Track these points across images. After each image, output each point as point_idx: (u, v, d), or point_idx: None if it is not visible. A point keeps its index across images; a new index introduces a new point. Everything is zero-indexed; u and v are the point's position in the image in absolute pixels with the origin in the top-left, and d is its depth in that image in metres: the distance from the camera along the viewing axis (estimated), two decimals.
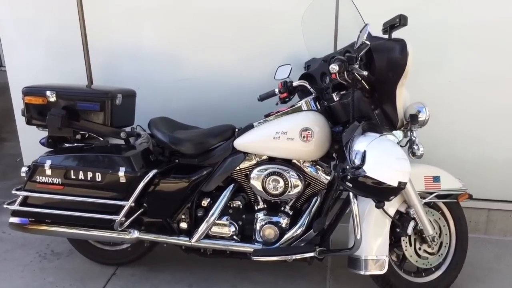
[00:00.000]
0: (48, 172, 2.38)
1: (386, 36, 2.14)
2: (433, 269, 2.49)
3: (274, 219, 2.45)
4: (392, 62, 2.03)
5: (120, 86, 2.72)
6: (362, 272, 2.31)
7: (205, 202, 2.54)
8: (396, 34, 2.11)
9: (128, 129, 2.64)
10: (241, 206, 2.52)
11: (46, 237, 3.04)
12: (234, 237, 2.50)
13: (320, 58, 2.66)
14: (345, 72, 2.04)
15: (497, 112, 2.99)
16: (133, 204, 2.38)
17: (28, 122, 2.55)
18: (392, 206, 2.35)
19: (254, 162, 2.46)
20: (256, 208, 2.51)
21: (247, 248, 2.45)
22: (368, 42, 2.01)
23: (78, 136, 2.60)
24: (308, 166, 2.42)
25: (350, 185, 2.06)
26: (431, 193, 2.43)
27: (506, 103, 2.97)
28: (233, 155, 2.47)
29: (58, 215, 2.44)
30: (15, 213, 2.48)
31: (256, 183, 2.42)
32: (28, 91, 2.49)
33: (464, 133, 3.05)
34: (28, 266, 2.79)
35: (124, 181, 2.35)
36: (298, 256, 2.32)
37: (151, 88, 3.24)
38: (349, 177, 2.06)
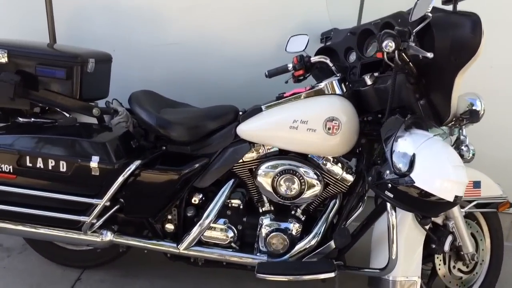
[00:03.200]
0: None
1: (449, 8, 1.66)
2: None
3: (283, 225, 2.01)
4: (459, 42, 1.57)
5: (91, 48, 2.16)
6: None
7: (196, 199, 2.06)
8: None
9: (101, 103, 2.11)
10: (241, 206, 2.06)
11: None
12: (232, 244, 2.04)
13: (344, 30, 2.18)
14: (396, 51, 1.58)
15: None
16: (108, 203, 1.87)
17: None
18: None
19: (262, 154, 1.99)
20: (261, 211, 2.05)
21: (250, 260, 2.00)
22: (430, 14, 1.54)
23: (37, 109, 2.05)
24: (328, 163, 1.96)
25: (391, 195, 1.64)
26: (470, 201, 2.03)
27: None
28: (236, 145, 1.99)
29: (8, 212, 1.91)
30: None
31: (264, 182, 1.95)
32: None
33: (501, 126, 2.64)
34: None
35: (97, 174, 1.83)
36: (314, 277, 1.88)
37: (128, 52, 2.63)
38: (389, 185, 1.63)
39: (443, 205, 1.63)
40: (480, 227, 2.14)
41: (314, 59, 2.06)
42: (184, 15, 2.62)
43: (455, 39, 1.57)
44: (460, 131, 1.87)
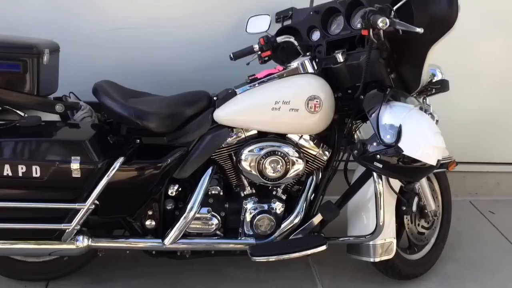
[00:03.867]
0: None
1: None
2: (425, 244, 2.34)
3: (267, 206, 2.02)
4: (437, 17, 1.69)
5: (33, 37, 1.93)
6: (371, 259, 2.04)
7: (172, 191, 1.99)
8: None
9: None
10: (221, 193, 2.03)
11: None
12: (217, 232, 2.01)
13: (305, 9, 2.22)
14: (379, 29, 1.66)
15: (464, 72, 2.86)
16: (92, 207, 1.72)
17: None
18: (397, 181, 2.09)
19: (241, 138, 1.97)
20: (243, 195, 2.04)
21: (238, 245, 1.99)
22: None
23: None
24: (305, 142, 2.01)
25: (380, 165, 1.75)
26: None
27: (472, 64, 2.88)
28: (214, 131, 1.94)
29: None
30: None
31: (248, 166, 1.93)
32: None
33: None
34: None
35: (78, 175, 1.66)
36: (309, 252, 1.94)
37: (70, 40, 2.36)
38: (378, 156, 1.73)
39: (427, 169, 1.78)
40: (433, 186, 2.37)
41: (280, 39, 2.07)
42: None
43: (433, 14, 1.69)
44: (424, 100, 2.03)
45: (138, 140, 1.90)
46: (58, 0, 2.39)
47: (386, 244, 2.05)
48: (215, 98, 2.00)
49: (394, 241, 2.07)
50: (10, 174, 1.62)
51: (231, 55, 2.09)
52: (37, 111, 1.79)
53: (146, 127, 1.85)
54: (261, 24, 2.16)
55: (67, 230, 1.71)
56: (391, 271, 2.18)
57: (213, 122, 1.95)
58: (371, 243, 2.03)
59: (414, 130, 1.72)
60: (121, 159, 1.73)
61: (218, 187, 2.02)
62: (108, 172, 1.70)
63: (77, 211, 1.71)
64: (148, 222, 1.95)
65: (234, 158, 1.98)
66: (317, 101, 1.89)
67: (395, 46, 1.82)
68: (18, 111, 1.78)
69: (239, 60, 2.12)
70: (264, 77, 1.98)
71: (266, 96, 1.91)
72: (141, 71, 2.48)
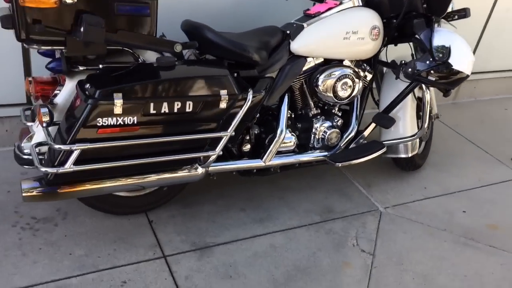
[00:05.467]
0: (119, 110, 1.64)
1: None
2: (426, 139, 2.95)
3: (332, 122, 2.41)
4: None
5: None
6: (408, 155, 2.61)
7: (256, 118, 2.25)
8: None
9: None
10: (293, 115, 2.35)
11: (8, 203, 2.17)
12: (295, 148, 2.35)
13: None
14: None
15: None
16: (233, 134, 1.93)
17: (19, 39, 1.63)
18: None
19: (312, 66, 2.29)
20: (311, 115, 2.38)
21: (319, 157, 2.38)
22: None
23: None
24: (358, 66, 2.41)
25: (433, 79, 2.25)
26: None
27: None
28: (293, 61, 2.23)
29: (124, 167, 1.77)
30: (58, 177, 1.67)
31: (325, 89, 2.28)
32: None
33: None
34: (23, 245, 1.96)
35: (224, 107, 1.85)
36: (374, 155, 2.41)
37: None
38: (432, 71, 2.22)
39: (463, 79, 2.32)
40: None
41: None
42: None
43: None
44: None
45: (236, 74, 2.10)
46: None
47: (414, 142, 2.61)
48: (288, 32, 2.25)
49: (418, 139, 2.64)
50: (167, 111, 1.75)
51: None
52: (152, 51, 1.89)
53: (248, 59, 2.05)
54: None
55: (212, 156, 1.91)
56: (410, 164, 2.79)
57: (290, 53, 2.22)
58: (409, 142, 2.57)
59: (459, 49, 2.23)
60: (251, 91, 1.95)
61: (289, 111, 2.33)
62: (245, 102, 1.92)
63: (219, 138, 1.91)
64: (245, 147, 2.22)
65: (306, 84, 2.30)
66: (377, 30, 2.28)
67: None
68: (133, 53, 1.86)
69: None
70: (326, 10, 2.29)
71: (336, 27, 2.24)
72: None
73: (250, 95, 1.94)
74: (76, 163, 1.65)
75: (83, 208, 2.17)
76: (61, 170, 1.63)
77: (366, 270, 2.14)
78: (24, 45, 1.70)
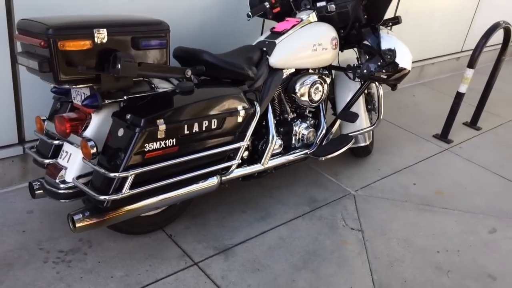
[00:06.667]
0: (161, 134, 1.82)
1: None
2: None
3: (307, 124, 2.76)
4: None
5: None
6: (366, 143, 3.06)
7: None
8: None
9: None
10: (274, 121, 2.66)
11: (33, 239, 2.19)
12: (282, 150, 2.66)
13: None
14: None
15: None
16: (249, 143, 2.18)
17: (58, 81, 1.74)
18: None
19: (285, 77, 2.62)
20: (289, 119, 2.71)
21: (302, 154, 2.71)
22: None
23: None
24: (322, 71, 2.80)
25: (385, 77, 2.72)
26: None
27: None
28: (273, 74, 2.54)
29: (168, 185, 1.95)
30: (114, 203, 1.79)
31: (302, 94, 2.62)
32: (59, 33, 1.68)
33: None
34: (63, 278, 2.01)
35: (241, 120, 2.10)
36: (348, 147, 2.82)
37: None
38: (384, 71, 2.70)
39: (406, 74, 2.82)
40: None
41: None
42: None
43: None
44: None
45: None
46: None
47: (369, 131, 3.08)
48: (264, 49, 2.55)
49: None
50: (197, 130, 1.96)
51: (250, 13, 2.65)
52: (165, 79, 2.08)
53: (245, 76, 2.31)
54: None
55: (234, 165, 2.15)
56: (366, 151, 3.26)
57: (269, 67, 2.53)
58: (366, 132, 3.02)
59: (402, 50, 2.72)
60: (257, 104, 2.22)
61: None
62: (256, 114, 2.19)
63: (238, 148, 2.15)
64: (244, 153, 2.47)
65: (283, 92, 2.63)
66: (336, 40, 2.69)
67: None
68: (151, 83, 2.04)
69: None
70: (291, 28, 2.64)
71: (305, 41, 2.59)
72: None
73: (257, 107, 2.22)
74: (130, 187, 1.80)
75: (103, 235, 2.28)
76: (120, 195, 1.77)
77: (361, 244, 2.52)
78: (60, 86, 1.80)
